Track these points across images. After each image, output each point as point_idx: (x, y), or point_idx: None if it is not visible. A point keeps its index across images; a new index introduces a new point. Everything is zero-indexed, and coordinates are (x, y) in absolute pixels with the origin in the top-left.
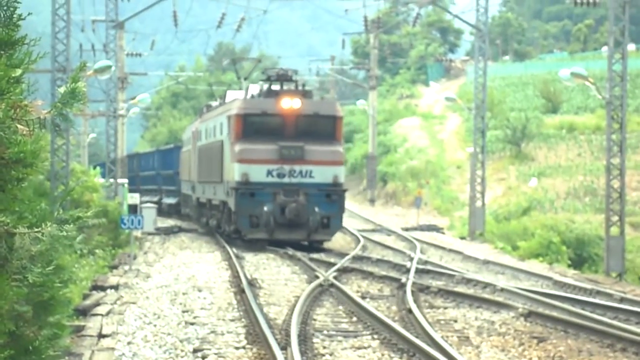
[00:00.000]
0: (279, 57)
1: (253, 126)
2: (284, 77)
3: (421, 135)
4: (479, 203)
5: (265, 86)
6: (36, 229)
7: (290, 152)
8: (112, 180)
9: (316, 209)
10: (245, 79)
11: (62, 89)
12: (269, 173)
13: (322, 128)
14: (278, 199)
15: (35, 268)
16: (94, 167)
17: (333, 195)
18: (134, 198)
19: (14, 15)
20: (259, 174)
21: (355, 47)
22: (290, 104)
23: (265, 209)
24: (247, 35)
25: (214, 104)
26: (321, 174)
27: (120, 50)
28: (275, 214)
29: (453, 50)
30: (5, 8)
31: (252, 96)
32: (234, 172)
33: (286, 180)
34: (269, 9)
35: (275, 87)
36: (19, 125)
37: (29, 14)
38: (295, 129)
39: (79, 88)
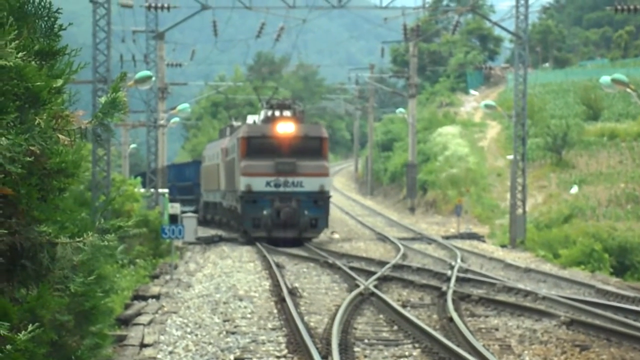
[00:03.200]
0: (318, 65)
1: (255, 146)
2: (282, 105)
3: (461, 143)
4: (519, 211)
5: (269, 112)
6: (78, 239)
7: (285, 166)
8: (152, 190)
9: (306, 212)
10: (267, 102)
11: (103, 99)
12: (268, 183)
13: (311, 147)
14: (275, 204)
15: (77, 278)
16: (135, 177)
17: (319, 201)
18: (175, 208)
19: (55, 26)
20: (259, 184)
21: (394, 56)
22: (284, 128)
23: (265, 212)
24: (286, 44)
25: (235, 124)
26: (310, 184)
27: (161, 61)
28: (272, 217)
29: (493, 58)
30: (46, 19)
31: (254, 122)
32: (240, 183)
33: (281, 189)
34: (308, 18)
35: (277, 112)
36: (60, 136)
37: (69, 24)
38: (288, 148)
39: (119, 98)
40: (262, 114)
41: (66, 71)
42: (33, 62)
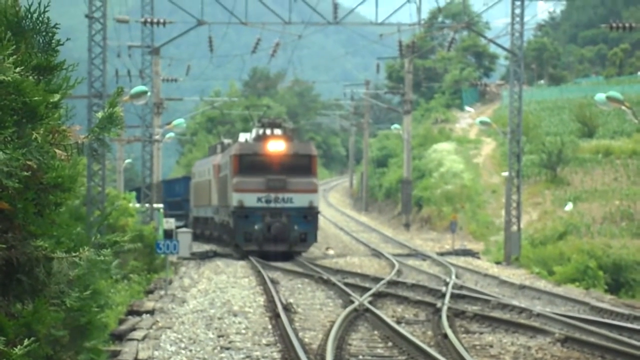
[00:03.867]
0: (313, 82)
1: (247, 163)
2: (273, 124)
3: (456, 159)
4: (514, 227)
5: (260, 131)
6: (74, 254)
7: (275, 183)
8: (147, 205)
9: (295, 227)
10: (259, 121)
11: (99, 114)
12: (259, 199)
13: (300, 164)
14: (266, 219)
15: (72, 292)
16: (130, 192)
17: (309, 216)
18: (170, 223)
19: (53, 41)
20: (251, 200)
21: (389, 72)
22: (275, 146)
23: (256, 227)
24: (281, 60)
25: (226, 141)
26: (299, 200)
27: (156, 76)
28: (263, 231)
29: (488, 75)
30: (44, 34)
31: (246, 140)
32: (232, 199)
33: (272, 204)
34: (303, 34)
35: (268, 130)
36: (57, 150)
37: (67, 39)
38: (279, 165)
39: (116, 113)
40: (254, 132)
41: (63, 86)
42: (30, 77)
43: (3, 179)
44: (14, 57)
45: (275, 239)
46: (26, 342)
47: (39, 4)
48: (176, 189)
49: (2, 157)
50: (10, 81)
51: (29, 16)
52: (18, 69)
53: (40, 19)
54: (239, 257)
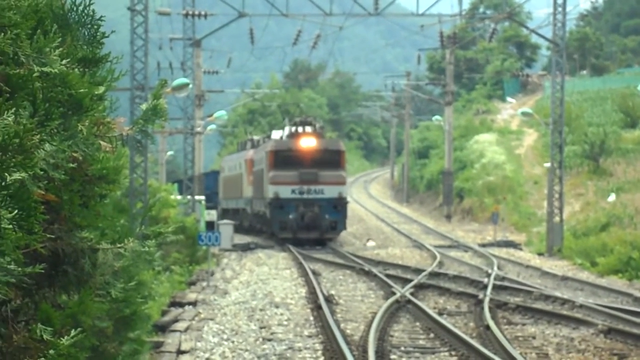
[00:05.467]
0: (354, 73)
1: (281, 159)
2: (305, 122)
3: (498, 150)
4: (556, 219)
5: (293, 129)
6: (119, 245)
7: (308, 176)
8: (189, 197)
9: (326, 216)
10: (291, 119)
11: (143, 106)
12: (293, 191)
13: (330, 159)
14: (299, 209)
15: (118, 283)
16: (172, 184)
17: (338, 206)
18: (212, 215)
19: (97, 34)
20: (285, 192)
21: (430, 63)
22: (307, 143)
23: (290, 216)
24: (322, 52)
25: (255, 138)
26: (329, 191)
27: (198, 68)
28: (297, 220)
29: (530, 65)
30: (89, 26)
31: (281, 137)
32: (269, 191)
33: (305, 196)
34: (344, 26)
35: (300, 128)
36: (102, 142)
37: (112, 32)
38: (311, 160)
39: (160, 105)
40: (287, 129)
41: (108, 78)
42: (76, 70)
43: (50, 171)
44: (60, 49)
45: (308, 227)
46: (73, 332)
47: None
48: (205, 183)
49: (49, 149)
50: (57, 73)
51: (75, 9)
52: (64, 62)
53: (86, 11)
54: (280, 249)
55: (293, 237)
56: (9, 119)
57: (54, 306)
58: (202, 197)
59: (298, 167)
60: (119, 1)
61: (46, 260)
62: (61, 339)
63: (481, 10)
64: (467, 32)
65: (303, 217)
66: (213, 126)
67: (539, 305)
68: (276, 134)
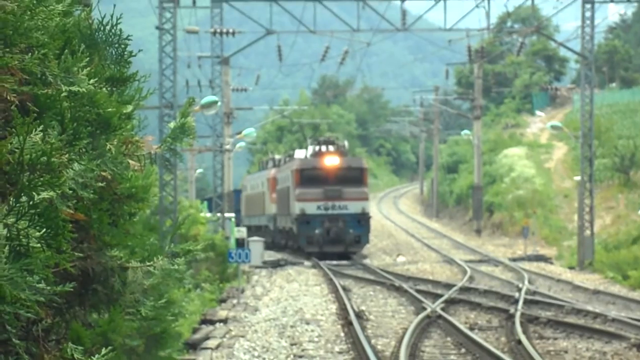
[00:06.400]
0: (382, 88)
1: (307, 176)
2: (328, 142)
3: (527, 164)
4: (587, 232)
5: (317, 148)
6: (148, 263)
7: (332, 193)
8: (219, 214)
9: (350, 231)
10: (311, 137)
11: (171, 124)
12: (318, 207)
13: (353, 176)
14: (325, 224)
15: (147, 302)
16: (201, 202)
17: (362, 220)
18: (242, 232)
19: (125, 53)
20: (311, 208)
21: (459, 77)
22: (331, 161)
23: (317, 231)
24: (350, 67)
25: (277, 157)
26: (353, 207)
27: (226, 86)
28: (323, 235)
29: (559, 79)
30: (116, 45)
31: (306, 156)
32: (295, 207)
33: (330, 211)
34: (372, 42)
35: (324, 147)
36: (130, 161)
37: (139, 51)
38: (335, 177)
39: (188, 123)
40: (310, 149)
41: (136, 97)
42: (104, 89)
43: (78, 190)
44: (88, 69)
45: (333, 241)
46: (103, 351)
47: (112, 16)
48: None
49: (78, 169)
50: (85, 93)
51: (102, 29)
52: (92, 81)
53: (113, 31)
54: (310, 265)
55: (319, 250)
56: (37, 137)
57: (84, 325)
58: (232, 215)
59: (323, 184)
60: (147, 20)
61: (76, 279)
62: (92, 357)
63: (509, 24)
64: (495, 46)
65: (329, 232)
66: (242, 143)
67: (571, 319)
68: (299, 153)
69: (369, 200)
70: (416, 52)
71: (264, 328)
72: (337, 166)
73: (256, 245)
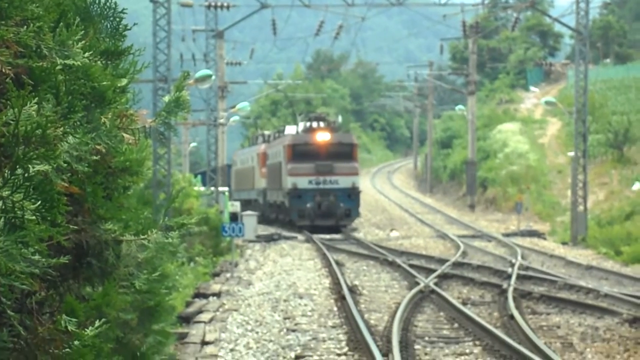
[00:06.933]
0: (376, 63)
1: (299, 152)
2: (319, 118)
3: (521, 140)
4: (580, 208)
5: (307, 124)
6: (142, 236)
7: (323, 168)
8: (212, 188)
9: (341, 205)
10: (300, 114)
11: (166, 98)
12: (310, 182)
13: (344, 151)
14: (316, 198)
15: (142, 275)
16: (195, 176)
17: (352, 195)
18: (235, 206)
19: (120, 26)
20: (303, 182)
21: (453, 53)
22: (322, 137)
23: (308, 205)
24: (345, 42)
25: (266, 133)
26: (344, 181)
27: (220, 60)
28: (314, 209)
29: (553, 54)
30: (111, 19)
31: (297, 132)
32: (287, 182)
33: (321, 186)
34: (367, 16)
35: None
36: (125, 134)
37: (134, 24)
38: (326, 153)
39: (183, 97)
40: (301, 125)
41: (130, 71)
42: (99, 62)
43: (73, 163)
44: (83, 42)
45: (324, 214)
46: (97, 323)
47: None
48: None
49: (72, 142)
50: (80, 66)
51: (97, 2)
52: (87, 54)
53: (108, 4)
54: (303, 240)
55: (310, 224)
56: (32, 110)
57: (78, 298)
58: (226, 189)
59: (314, 159)
60: None
61: (70, 252)
62: (86, 330)
63: None
64: (489, 21)
65: (320, 206)
66: (236, 117)
67: (564, 294)
68: (290, 129)
69: (360, 175)
70: (411, 27)
71: (257, 302)
72: (328, 142)
73: (250, 219)
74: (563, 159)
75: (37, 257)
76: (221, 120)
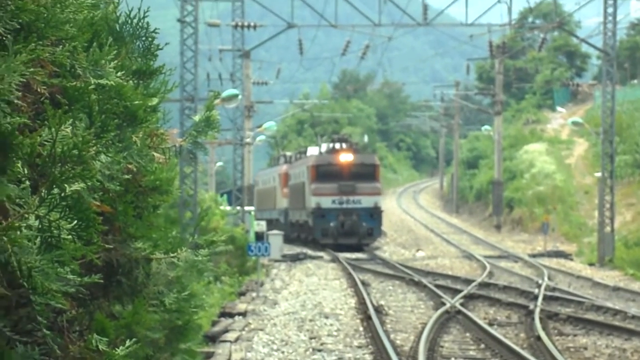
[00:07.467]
0: (403, 83)
1: (322, 172)
2: (342, 139)
3: (548, 160)
4: (607, 229)
5: (331, 145)
6: (172, 255)
7: (346, 188)
8: (238, 207)
9: (364, 224)
10: (322, 136)
11: (196, 118)
12: (333, 201)
13: (366, 172)
14: (339, 218)
15: (171, 293)
16: (221, 195)
17: (374, 214)
18: (261, 225)
19: (152, 46)
20: (327, 202)
21: (480, 73)
22: (345, 157)
23: (332, 224)
24: (371, 62)
25: (287, 154)
26: (366, 201)
27: (247, 79)
28: (337, 228)
29: (580, 75)
30: (143, 39)
31: (321, 153)
32: (311, 201)
33: (344, 205)
34: (393, 36)
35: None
36: (155, 153)
37: (166, 44)
38: (349, 173)
39: (213, 116)
40: (324, 146)
41: (161, 90)
42: (130, 82)
43: (105, 182)
44: (115, 62)
45: (347, 233)
46: (128, 342)
47: (139, 9)
48: None
49: (105, 161)
50: (112, 86)
51: (129, 22)
52: (119, 74)
53: (140, 24)
54: (329, 259)
55: (334, 242)
56: (67, 130)
57: (108, 316)
58: (252, 208)
59: (337, 179)
60: (168, 12)
61: (101, 270)
62: (116, 349)
63: (530, 19)
64: (516, 41)
65: (343, 225)
66: (262, 137)
67: (591, 316)
68: (312, 150)
69: (382, 195)
70: (437, 47)
71: (283, 321)
72: (351, 162)
73: (275, 238)
74: (590, 179)
75: (72, 276)
76: (247, 140)
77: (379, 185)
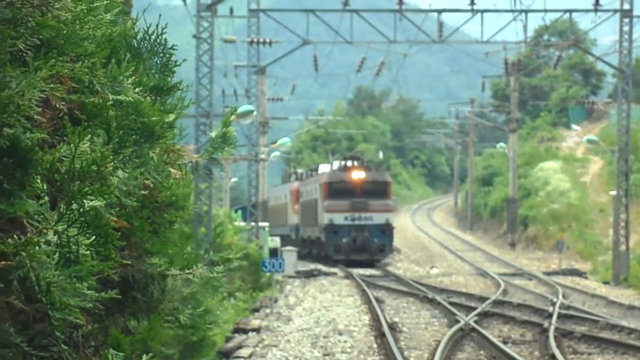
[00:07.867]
0: (418, 100)
1: (335, 189)
2: (354, 157)
3: (563, 178)
4: (623, 247)
5: (343, 163)
6: (187, 271)
7: (359, 204)
8: (253, 223)
9: (375, 240)
10: (334, 154)
11: (213, 134)
12: (345, 218)
13: (378, 189)
14: (351, 234)
15: (186, 310)
16: (235, 211)
17: (386, 231)
18: (275, 241)
19: (169, 62)
20: (339, 218)
21: (495, 90)
22: (357, 175)
23: (344, 240)
24: (386, 79)
25: (299, 171)
26: (378, 218)
27: (262, 95)
28: (350, 244)
29: (595, 93)
30: (161, 55)
31: (333, 170)
32: (323, 218)
33: (356, 222)
34: (408, 53)
35: (349, 163)
36: (171, 170)
37: (184, 60)
38: (361, 190)
39: (229, 132)
40: (337, 164)
41: (178, 106)
42: (148, 98)
43: (122, 198)
44: (133, 78)
45: (359, 249)
46: (144, 358)
47: (157, 26)
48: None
49: (122, 176)
50: (130, 102)
51: (147, 38)
52: (137, 90)
53: (158, 40)
54: (343, 276)
55: (346, 258)
56: (85, 146)
57: (123, 332)
58: (266, 224)
59: (350, 196)
60: (183, 29)
61: (116, 286)
62: None
63: (546, 37)
64: (531, 59)
65: (355, 241)
66: (277, 153)
67: (605, 334)
68: (323, 168)
69: (394, 212)
70: (452, 64)
71: (297, 338)
72: (363, 180)
73: (290, 255)
74: (605, 197)
75: (90, 291)
76: (262, 156)
77: (391, 202)
